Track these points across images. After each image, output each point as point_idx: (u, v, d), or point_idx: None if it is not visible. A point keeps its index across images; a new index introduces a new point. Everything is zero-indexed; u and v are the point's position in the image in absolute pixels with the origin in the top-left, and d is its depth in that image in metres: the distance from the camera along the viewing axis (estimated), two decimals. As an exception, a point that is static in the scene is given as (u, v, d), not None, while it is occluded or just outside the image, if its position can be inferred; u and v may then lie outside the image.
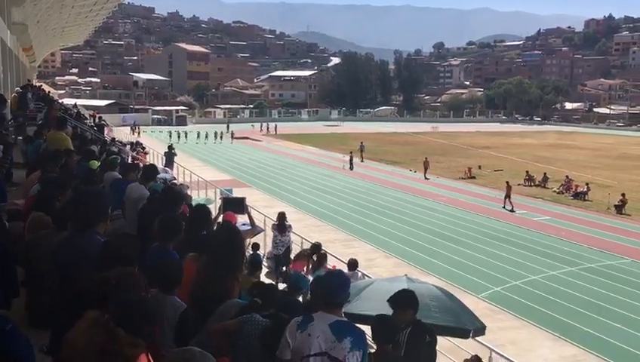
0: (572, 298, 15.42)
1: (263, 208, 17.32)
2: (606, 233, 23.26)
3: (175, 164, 24.83)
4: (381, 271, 15.44)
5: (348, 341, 3.20)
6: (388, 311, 4.91)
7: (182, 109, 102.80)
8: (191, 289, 3.99)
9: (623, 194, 28.26)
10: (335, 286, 3.41)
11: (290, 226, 14.02)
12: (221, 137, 60.53)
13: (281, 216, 13.80)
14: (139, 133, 58.75)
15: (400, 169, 42.44)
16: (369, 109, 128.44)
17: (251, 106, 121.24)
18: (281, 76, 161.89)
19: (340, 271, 3.85)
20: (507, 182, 30.12)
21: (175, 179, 16.85)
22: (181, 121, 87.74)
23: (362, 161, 42.39)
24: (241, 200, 6.80)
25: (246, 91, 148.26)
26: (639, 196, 30.69)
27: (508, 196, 28.64)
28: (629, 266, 18.57)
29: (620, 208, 27.50)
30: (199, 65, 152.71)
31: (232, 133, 63.24)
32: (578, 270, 18.06)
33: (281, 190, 31.61)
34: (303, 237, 14.41)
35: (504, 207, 28.26)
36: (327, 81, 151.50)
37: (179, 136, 54.90)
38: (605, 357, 11.88)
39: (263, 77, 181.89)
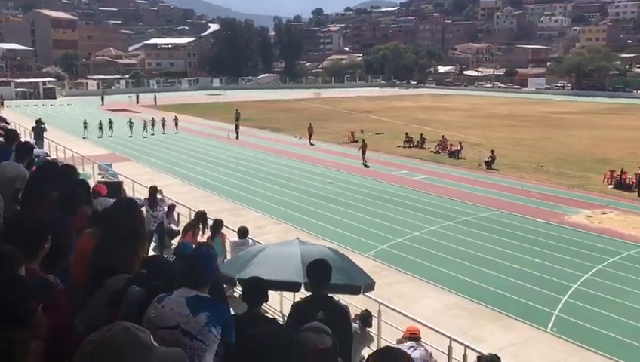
0: (451, 250, 16.45)
1: (147, 182, 16.71)
2: (478, 188, 24.94)
3: (45, 140, 23.20)
4: (271, 238, 15.54)
5: (204, 316, 3.16)
6: (282, 274, 4.94)
7: (49, 81, 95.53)
8: (89, 264, 3.79)
9: (492, 151, 30.39)
10: (199, 263, 3.39)
11: (162, 200, 13.59)
12: (155, 125, 43.60)
13: (152, 191, 13.03)
14: (1, 104, 54.56)
15: (285, 136, 42.63)
16: (251, 77, 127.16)
17: (127, 76, 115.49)
18: (157, 44, 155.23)
19: (206, 248, 3.80)
20: (363, 140, 32.35)
21: (48, 155, 15.74)
22: (49, 94, 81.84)
23: (237, 129, 41.77)
24: (118, 184, 6.50)
25: (120, 60, 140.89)
26: (506, 152, 33.17)
27: (363, 152, 30.64)
28: (500, 217, 20.09)
29: (489, 164, 29.58)
30: (66, 33, 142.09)
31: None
32: (455, 223, 19.26)
33: (165, 162, 30.65)
34: (190, 209, 14.13)
35: (362, 163, 30.25)
36: (206, 49, 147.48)
37: (101, 128, 41.14)
38: (482, 302, 12.83)
39: (137, 45, 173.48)
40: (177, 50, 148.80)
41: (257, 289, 4.59)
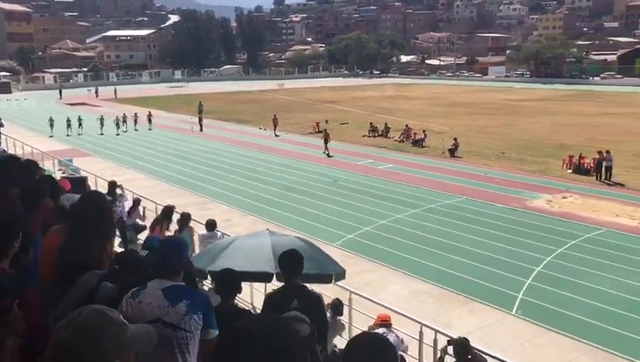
0: (417, 237, 16.68)
1: (109, 177, 16.39)
2: (443, 175, 25.29)
3: (3, 136, 22.55)
4: (239, 230, 15.46)
5: (183, 304, 3.15)
6: (254, 265, 4.93)
7: (4, 75, 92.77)
8: (56, 261, 3.72)
9: (455, 139, 30.80)
10: (169, 253, 3.36)
11: (122, 196, 13.38)
12: (127, 122, 41.09)
13: (111, 185, 12.74)
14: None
15: (250, 127, 42.39)
16: (214, 69, 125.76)
17: (85, 70, 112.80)
18: (115, 36, 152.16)
19: (176, 238, 3.79)
20: (325, 130, 32.69)
21: (5, 151, 15.32)
22: (4, 89, 79.43)
23: (201, 122, 41.29)
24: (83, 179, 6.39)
25: (78, 53, 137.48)
26: (469, 140, 33.67)
27: (326, 142, 30.97)
28: (464, 204, 20.44)
29: (453, 152, 30.00)
30: (20, 25, 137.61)
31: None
32: (421, 211, 19.51)
33: (128, 157, 30.17)
34: (156, 203, 13.95)
35: (324, 152, 30.66)
36: (167, 41, 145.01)
37: (69, 125, 38.50)
38: (449, 287, 13.07)
39: (95, 37, 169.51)
40: (137, 42, 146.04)
41: (230, 280, 4.58)
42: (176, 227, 11.03)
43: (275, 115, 40.31)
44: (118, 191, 13.09)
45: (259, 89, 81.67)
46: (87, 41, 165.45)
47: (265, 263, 6.49)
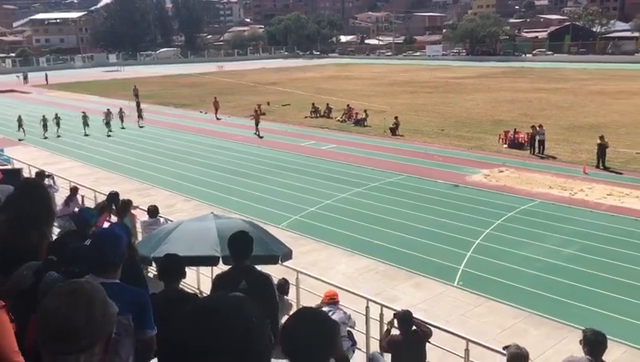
0: (362, 216, 16.92)
1: (43, 166, 15.86)
2: (385, 154, 25.65)
3: None
4: (183, 216, 15.24)
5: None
6: (199, 250, 4.91)
7: None
8: None
9: (396, 118, 31.27)
10: (101, 245, 3.19)
11: (50, 186, 12.96)
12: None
13: (38, 176, 12.30)
14: None
15: (190, 111, 41.66)
16: (150, 52, 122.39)
17: (13, 55, 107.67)
18: (44, 19, 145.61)
19: (112, 229, 3.65)
20: (255, 110, 32.97)
21: None
22: None
23: (139, 107, 40.16)
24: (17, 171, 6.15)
25: (4, 38, 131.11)
26: (409, 118, 34.25)
27: (257, 123, 31.28)
28: (406, 181, 20.84)
29: (394, 130, 30.45)
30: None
31: None
32: (365, 190, 19.78)
33: (63, 144, 29.13)
34: (95, 191, 13.59)
35: (255, 133, 30.89)
36: (99, 23, 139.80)
37: (44, 127, 31.77)
38: (393, 263, 13.36)
39: (22, 21, 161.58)
40: (67, 25, 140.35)
41: (174, 266, 4.55)
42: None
43: (215, 98, 39.77)
44: (47, 181, 12.62)
45: (198, 72, 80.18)
46: (14, 25, 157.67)
47: (210, 247, 6.46)
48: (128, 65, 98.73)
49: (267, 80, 66.18)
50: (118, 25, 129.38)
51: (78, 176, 20.03)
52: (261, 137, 30.39)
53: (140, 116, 37.35)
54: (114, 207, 10.64)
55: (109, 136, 31.70)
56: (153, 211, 11.03)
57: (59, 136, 31.56)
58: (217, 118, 37.75)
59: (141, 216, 11.28)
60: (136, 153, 26.95)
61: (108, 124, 32.74)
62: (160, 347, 2.99)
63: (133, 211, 11.00)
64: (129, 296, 3.10)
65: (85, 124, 32.47)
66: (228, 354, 1.28)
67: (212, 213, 8.16)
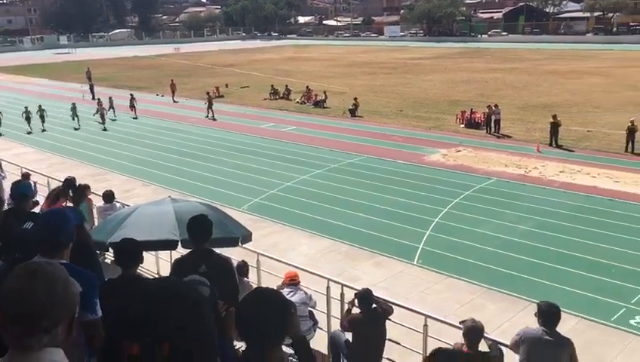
0: (322, 197, 16.96)
1: (-6, 152, 15.32)
2: (344, 135, 25.73)
3: None
4: (141, 201, 14.94)
5: None
6: (157, 234, 4.83)
7: None
8: None
9: (355, 99, 31.33)
10: (50, 226, 3.14)
11: None
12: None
13: None
14: None
15: (146, 94, 40.78)
16: (103, 33, 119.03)
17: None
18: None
19: (60, 209, 3.58)
20: (207, 93, 32.59)
21: None
22: None
23: (92, 89, 39.14)
24: None
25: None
26: (368, 99, 34.36)
27: (210, 106, 30.85)
28: (366, 162, 20.96)
29: (353, 111, 30.52)
30: None
31: None
32: (325, 171, 19.81)
33: (12, 129, 28.15)
34: (49, 177, 13.22)
35: (207, 116, 30.60)
36: (49, 4, 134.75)
37: (28, 118, 28.12)
38: (354, 243, 13.47)
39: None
40: (15, 5, 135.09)
41: (130, 250, 4.47)
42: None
43: (172, 80, 39.06)
44: None
45: (154, 54, 78.51)
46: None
47: (169, 231, 6.37)
48: (80, 48, 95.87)
49: (225, 62, 65.29)
50: (68, 5, 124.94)
51: (32, 161, 19.48)
52: (214, 120, 30.04)
53: (93, 98, 36.39)
54: (71, 194, 10.36)
55: (104, 130, 28.15)
56: (109, 196, 10.80)
57: (44, 130, 28.00)
58: (175, 101, 37.12)
59: (97, 202, 11.03)
60: (90, 138, 26.30)
61: (102, 116, 29.20)
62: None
63: (90, 196, 10.73)
64: (75, 278, 3.02)
65: (75, 115, 29.24)
66: (166, 326, 1.27)
67: (169, 196, 8.03)
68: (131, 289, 1.42)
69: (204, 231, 4.77)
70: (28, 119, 28.02)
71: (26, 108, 28.39)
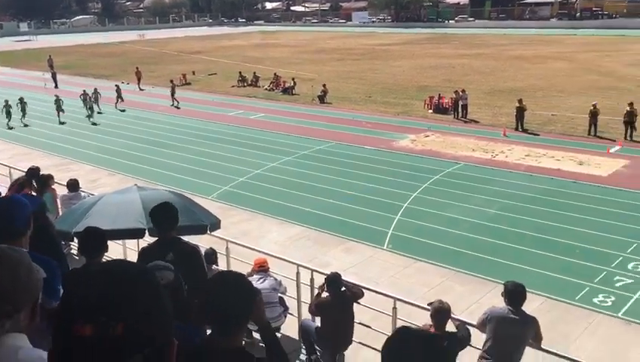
0: (292, 184, 16.94)
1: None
2: (314, 122, 25.68)
3: None
4: (107, 190, 14.74)
5: None
6: (124, 222, 4.76)
7: None
8: None
9: (324, 85, 31.26)
10: (3, 213, 3.04)
11: None
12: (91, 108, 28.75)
13: None
14: None
15: (111, 82, 39.94)
16: (65, 20, 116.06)
17: None
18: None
19: (13, 196, 3.48)
20: (171, 81, 32.14)
21: None
22: None
23: (55, 77, 38.27)
24: None
25: None
26: (337, 85, 34.33)
27: (173, 93, 30.44)
28: (335, 148, 20.98)
29: (322, 98, 30.47)
30: None
31: None
32: (294, 158, 19.78)
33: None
34: (10, 167, 12.90)
35: (173, 105, 30.06)
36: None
37: (8, 113, 25.94)
38: (324, 230, 13.51)
39: None
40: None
41: (94, 239, 4.39)
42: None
43: (137, 68, 38.43)
44: None
45: (118, 40, 76.94)
46: None
47: (135, 219, 6.28)
48: (41, 35, 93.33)
49: (192, 48, 64.39)
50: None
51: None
52: (178, 108, 29.62)
53: (55, 86, 35.52)
54: (34, 184, 10.14)
55: (94, 124, 26.53)
56: (73, 185, 10.61)
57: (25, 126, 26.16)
58: (140, 89, 36.51)
59: (61, 192, 10.82)
60: (54, 127, 25.72)
61: (91, 108, 27.57)
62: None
63: (53, 186, 10.51)
64: (44, 265, 2.97)
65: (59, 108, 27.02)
66: (122, 306, 1.26)
67: (135, 184, 7.91)
68: (87, 271, 1.39)
69: (168, 220, 4.72)
70: (8, 113, 25.75)
71: (7, 101, 26.01)
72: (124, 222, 6.18)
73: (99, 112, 28.96)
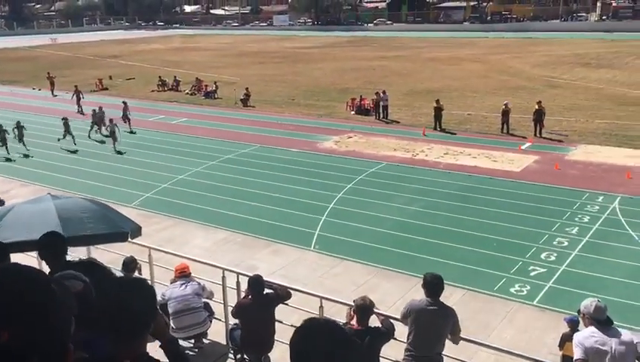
0: (217, 189, 16.75)
1: None
2: (237, 125, 25.49)
3: None
4: (21, 201, 14.08)
5: None
6: (39, 233, 4.54)
7: None
8: None
9: (247, 89, 31.11)
10: None
11: None
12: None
13: None
14: None
15: (22, 88, 38.12)
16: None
17: None
18: None
19: None
20: (75, 86, 30.93)
21: None
22: None
23: None
24: None
25: None
26: (260, 89, 34.23)
27: (78, 99, 29.83)
28: (260, 151, 20.92)
29: (245, 101, 30.30)
30: None
31: None
32: (218, 163, 19.55)
33: None
34: None
35: (78, 111, 29.14)
36: None
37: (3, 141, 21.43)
38: (251, 233, 13.44)
39: None
40: None
41: None
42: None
43: (49, 73, 36.75)
44: None
45: (28, 45, 73.32)
46: None
47: (51, 229, 6.00)
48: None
49: (108, 53, 62.30)
50: None
51: None
52: (83, 114, 28.25)
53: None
54: None
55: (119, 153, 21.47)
56: (-17, 198, 10.01)
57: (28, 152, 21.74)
58: (54, 95, 34.95)
59: (-31, 205, 10.20)
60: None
61: (113, 133, 21.89)
62: None
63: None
64: None
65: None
66: (8, 313, 1.23)
67: (49, 193, 7.57)
68: None
69: (55, 250, 4.47)
70: (3, 140, 21.45)
71: (1, 126, 21.65)
72: (39, 232, 5.90)
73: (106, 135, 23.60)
